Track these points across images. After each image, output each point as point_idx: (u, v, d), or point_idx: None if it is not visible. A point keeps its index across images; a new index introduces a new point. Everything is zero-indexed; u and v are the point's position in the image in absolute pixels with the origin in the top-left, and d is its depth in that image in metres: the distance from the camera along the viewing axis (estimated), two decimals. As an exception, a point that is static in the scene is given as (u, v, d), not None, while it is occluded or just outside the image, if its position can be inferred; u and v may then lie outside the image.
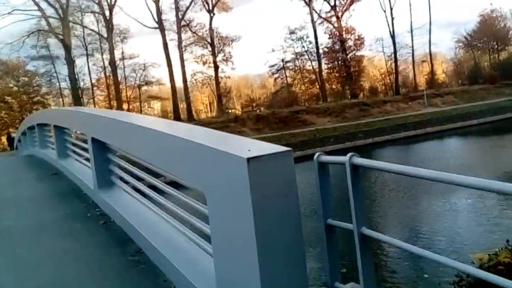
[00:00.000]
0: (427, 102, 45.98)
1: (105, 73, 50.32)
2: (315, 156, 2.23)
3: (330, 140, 35.41)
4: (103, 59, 49.83)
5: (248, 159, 1.68)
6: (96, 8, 47.15)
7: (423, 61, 56.69)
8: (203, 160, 2.11)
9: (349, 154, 1.99)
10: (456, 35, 62.40)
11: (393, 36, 53.84)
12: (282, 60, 54.56)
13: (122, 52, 50.30)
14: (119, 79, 49.27)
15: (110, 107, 49.07)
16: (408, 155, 29.03)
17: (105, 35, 47.61)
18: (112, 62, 47.43)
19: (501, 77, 51.83)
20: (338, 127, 38.80)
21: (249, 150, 1.80)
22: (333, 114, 43.54)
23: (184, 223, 2.81)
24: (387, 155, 29.24)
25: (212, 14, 48.80)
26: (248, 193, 1.70)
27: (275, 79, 57.69)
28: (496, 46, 58.47)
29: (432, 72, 58.05)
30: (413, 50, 55.89)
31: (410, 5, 53.98)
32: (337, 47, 52.94)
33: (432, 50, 57.20)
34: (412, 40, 55.18)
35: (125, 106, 49.88)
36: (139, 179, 3.93)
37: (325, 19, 52.45)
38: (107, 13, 46.75)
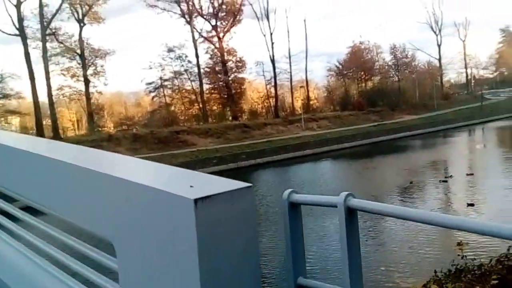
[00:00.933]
0: (304, 126, 48.54)
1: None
2: (285, 194, 1.67)
3: (213, 161, 34.97)
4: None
5: (196, 200, 0.93)
6: None
7: (301, 87, 60.20)
8: (119, 200, 1.29)
9: (343, 194, 1.49)
10: (328, 64, 68.10)
11: (273, 61, 56.35)
12: (160, 78, 52.85)
13: (-26, 61, 43.88)
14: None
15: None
16: (287, 177, 29.48)
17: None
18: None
19: (368, 105, 57.33)
20: (221, 148, 38.63)
21: (192, 187, 1.00)
22: (215, 135, 43.28)
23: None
24: (267, 177, 29.54)
25: (82, 24, 45.52)
26: (195, 245, 0.95)
27: (153, 97, 55.71)
28: (363, 76, 64.91)
29: (308, 98, 61.70)
30: (291, 76, 59.25)
31: (288, 32, 57.39)
32: (218, 68, 53.32)
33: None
34: (290, 66, 58.54)
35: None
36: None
37: (206, 38, 52.59)
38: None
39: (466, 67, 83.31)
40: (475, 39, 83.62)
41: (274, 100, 58.98)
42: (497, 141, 37.50)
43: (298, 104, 64.74)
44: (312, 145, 39.47)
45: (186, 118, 55.41)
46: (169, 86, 53.89)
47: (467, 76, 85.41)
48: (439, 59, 75.78)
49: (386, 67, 67.17)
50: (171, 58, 52.02)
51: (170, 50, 51.44)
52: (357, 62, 63.10)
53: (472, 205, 13.77)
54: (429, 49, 77.61)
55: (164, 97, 53.79)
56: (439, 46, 76.21)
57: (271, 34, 55.79)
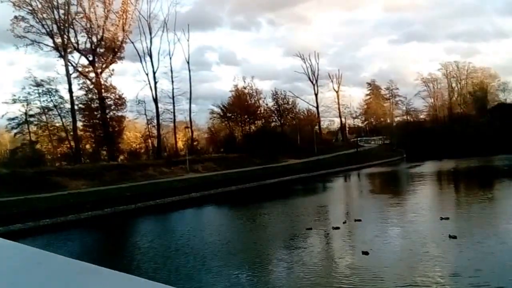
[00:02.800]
0: (189, 168, 47.87)
1: None
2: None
3: (87, 206, 32.16)
4: None
5: None
6: None
7: (186, 127, 59.89)
8: None
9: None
10: (211, 106, 69.43)
11: (155, 100, 55.41)
12: (25, 114, 48.33)
13: None
14: None
15: None
16: (170, 226, 27.28)
17: None
18: None
19: (252, 147, 59.01)
20: (96, 191, 35.91)
21: None
22: (89, 176, 40.28)
23: None
24: (145, 227, 27.43)
25: None
26: None
27: (15, 134, 50.37)
28: (247, 119, 67.15)
29: (192, 139, 61.47)
30: (174, 116, 58.84)
31: (172, 72, 57.45)
32: (95, 105, 50.58)
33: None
34: (174, 106, 58.24)
35: None
36: None
37: (81, 73, 49.84)
38: None
39: (340, 116, 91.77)
40: (350, 90, 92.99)
41: (156, 140, 57.68)
42: (375, 187, 40.22)
43: (180, 145, 64.29)
44: (198, 188, 38.85)
45: (54, 157, 51.06)
46: (35, 123, 49.36)
47: (341, 123, 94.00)
48: (317, 107, 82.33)
49: (269, 111, 70.57)
50: (39, 93, 48.32)
51: (38, 84, 47.71)
52: (241, 106, 65.24)
53: (366, 253, 13.89)
54: (307, 97, 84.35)
55: (29, 134, 48.93)
56: (316, 95, 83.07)
57: (154, 73, 55.31)
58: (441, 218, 18.31)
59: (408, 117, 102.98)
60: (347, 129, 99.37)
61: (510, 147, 67.46)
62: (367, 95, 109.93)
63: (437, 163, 58.24)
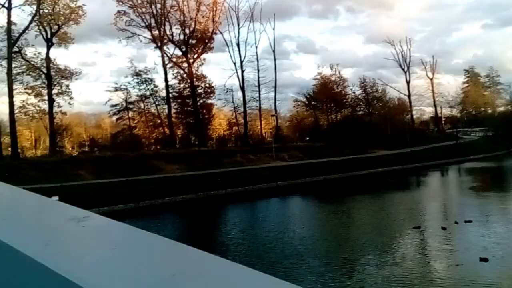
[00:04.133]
0: (275, 156, 48.98)
1: None
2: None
3: (181, 189, 34.44)
4: None
5: None
6: None
7: (272, 115, 61.14)
8: None
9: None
10: (296, 94, 69.98)
11: (243, 88, 57.21)
12: (126, 101, 52.94)
13: None
14: None
15: None
16: (259, 216, 27.11)
17: None
18: None
19: (339, 137, 58.66)
20: (190, 175, 38.27)
21: None
22: (182, 161, 42.96)
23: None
24: (235, 215, 28.35)
25: (50, 44, 45.31)
26: None
27: (117, 119, 55.17)
28: (333, 108, 66.76)
29: (277, 127, 62.54)
30: (260, 104, 60.36)
31: (258, 60, 58.88)
32: (187, 93, 53.83)
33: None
34: (259, 94, 59.73)
35: None
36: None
37: (176, 63, 53.45)
38: None
39: (435, 105, 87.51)
40: (442, 78, 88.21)
41: (242, 127, 59.62)
42: (481, 184, 36.65)
43: (267, 133, 65.84)
44: (285, 176, 39.74)
45: (149, 142, 55.08)
46: (133, 109, 53.89)
47: (436, 113, 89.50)
48: (409, 96, 79.27)
49: (356, 100, 69.46)
50: (137, 82, 52.81)
51: (137, 74, 52.14)
52: (327, 94, 64.95)
53: (485, 260, 12.83)
54: (397, 85, 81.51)
55: (129, 119, 53.35)
56: (408, 83, 79.97)
57: (241, 62, 57.11)
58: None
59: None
60: (443, 119, 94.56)
61: None
62: (464, 83, 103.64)
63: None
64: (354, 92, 69.92)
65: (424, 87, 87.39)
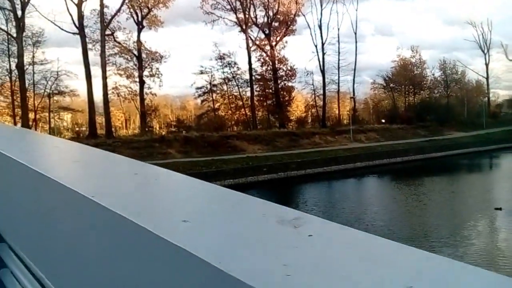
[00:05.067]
0: (353, 137, 48.73)
1: (10, 78, 45.85)
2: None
3: (263, 169, 35.54)
4: (9, 62, 45.42)
5: None
6: (7, 4, 43.13)
7: (351, 98, 60.46)
8: None
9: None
10: (374, 77, 68.21)
11: (323, 71, 56.98)
12: (210, 83, 54.68)
13: (33, 57, 46.34)
14: (27, 85, 45.23)
15: (14, 116, 44.74)
16: (339, 197, 27.37)
17: (15, 35, 43.60)
18: (20, 66, 43.38)
19: (416, 119, 56.97)
20: (270, 156, 39.27)
21: None
22: (263, 142, 44.02)
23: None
24: (317, 194, 28.63)
25: (141, 26, 47.39)
26: None
27: (202, 101, 57.34)
28: (412, 90, 64.53)
29: (354, 109, 61.80)
30: (338, 87, 59.81)
31: (339, 43, 58.02)
32: (269, 75, 54.47)
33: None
34: (339, 77, 59.10)
35: (31, 115, 45.90)
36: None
37: (259, 46, 53.95)
38: (19, 12, 42.93)
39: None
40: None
41: (320, 109, 59.60)
42: None
43: (344, 115, 65.28)
44: (363, 158, 39.61)
45: (232, 123, 56.74)
46: (217, 91, 55.46)
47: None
48: (487, 78, 74.49)
49: (435, 82, 66.60)
50: (221, 65, 53.88)
51: (220, 58, 53.21)
52: (406, 76, 62.86)
53: None
54: (476, 67, 76.71)
55: (213, 101, 55.27)
56: (487, 65, 74.97)
57: (322, 44, 56.69)
58: None
59: None
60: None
61: None
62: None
63: None
64: (433, 74, 67.14)
65: (502, 70, 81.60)
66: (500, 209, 17.76)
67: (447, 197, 22.32)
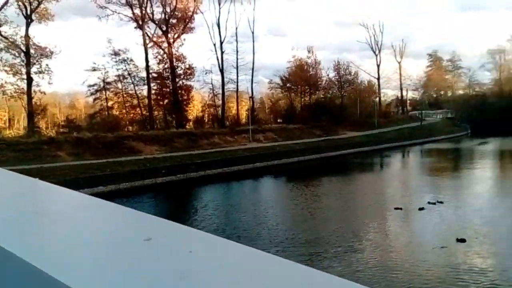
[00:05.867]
0: (252, 137, 48.32)
1: None
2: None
3: (162, 171, 33.41)
4: None
5: None
6: None
7: (250, 97, 60.18)
8: None
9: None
10: (269, 77, 69.14)
11: (222, 70, 55.77)
12: (103, 81, 50.72)
13: None
14: None
15: None
16: (238, 198, 26.45)
17: None
18: None
19: (312, 119, 58.43)
20: (169, 157, 37.15)
21: None
22: (161, 142, 41.66)
23: None
24: (213, 196, 27.60)
25: (29, 20, 42.28)
26: None
27: (94, 99, 53.00)
28: (308, 90, 66.19)
29: (253, 109, 61.68)
30: (237, 86, 59.12)
31: (237, 42, 57.31)
32: (166, 73, 52.00)
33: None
34: (237, 76, 58.42)
35: None
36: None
37: (156, 43, 51.13)
38: None
39: (401, 88, 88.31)
40: (403, 62, 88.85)
41: (219, 109, 58.54)
42: (446, 165, 37.43)
43: (243, 114, 65.04)
44: (262, 158, 39.19)
45: (127, 123, 53.33)
46: (111, 89, 51.66)
47: (401, 96, 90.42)
48: (378, 79, 79.57)
49: (330, 82, 69.09)
50: (116, 62, 50.34)
51: (115, 54, 49.68)
52: (302, 77, 64.23)
53: (463, 240, 12.88)
54: (367, 68, 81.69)
55: (106, 100, 51.27)
56: (378, 66, 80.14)
57: (221, 43, 55.49)
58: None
59: (471, 91, 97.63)
60: (408, 101, 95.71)
61: None
62: (427, 66, 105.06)
63: (504, 140, 54.67)
64: (328, 75, 69.62)
65: (392, 71, 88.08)
66: (401, 208, 17.89)
67: (347, 198, 22.26)
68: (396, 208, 17.98)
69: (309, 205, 20.53)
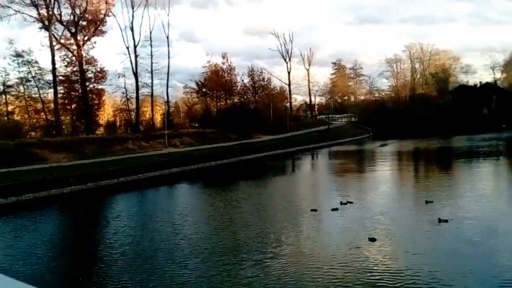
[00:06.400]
0: (168, 142, 46.95)
1: None
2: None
3: (70, 180, 30.87)
4: None
5: None
6: None
7: (165, 102, 58.55)
8: None
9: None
10: (183, 81, 68.38)
11: (135, 74, 53.64)
12: (3, 84, 46.15)
13: None
14: None
15: None
16: (155, 208, 25.62)
17: None
18: None
19: (227, 123, 58.40)
20: (78, 165, 34.59)
21: None
22: (69, 149, 38.76)
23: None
24: (125, 204, 26.23)
25: None
26: None
27: (-8, 103, 48.05)
28: (223, 95, 66.19)
29: (168, 113, 60.20)
30: (152, 90, 57.27)
31: (151, 46, 55.51)
32: (75, 77, 48.64)
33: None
34: (152, 80, 56.58)
35: None
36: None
37: (63, 45, 47.60)
38: None
39: (310, 94, 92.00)
40: (315, 69, 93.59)
41: (132, 113, 56.27)
42: (353, 166, 38.91)
43: (157, 119, 63.22)
44: (179, 163, 38.12)
45: (29, 128, 49.03)
46: (12, 93, 47.15)
47: (310, 101, 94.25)
48: (289, 85, 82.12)
49: (245, 88, 69.79)
50: (18, 64, 46.10)
51: (17, 55, 45.38)
52: (218, 82, 64.10)
53: (373, 240, 13.35)
54: (279, 75, 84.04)
55: (6, 104, 46.63)
56: (289, 73, 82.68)
57: (135, 47, 53.35)
58: (426, 202, 18.50)
59: (371, 96, 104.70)
60: (316, 107, 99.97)
61: (469, 128, 70.16)
62: (332, 74, 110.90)
63: (402, 142, 59.12)
64: (243, 81, 70.27)
65: (301, 77, 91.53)
66: (316, 210, 18.15)
67: (266, 201, 22.19)
68: (312, 210, 18.25)
69: (228, 210, 20.10)
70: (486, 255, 11.74)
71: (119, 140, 44.42)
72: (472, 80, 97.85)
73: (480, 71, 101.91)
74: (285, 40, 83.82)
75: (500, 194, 21.67)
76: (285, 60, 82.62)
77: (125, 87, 56.00)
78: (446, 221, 15.22)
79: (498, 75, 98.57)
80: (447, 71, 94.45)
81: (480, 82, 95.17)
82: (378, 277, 10.34)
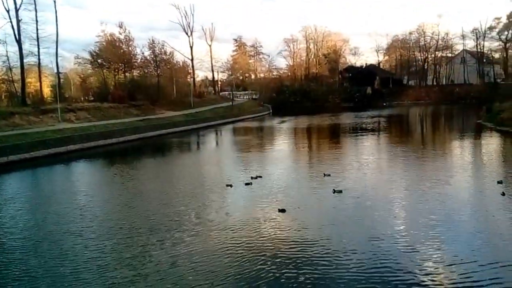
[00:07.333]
0: (61, 117, 43.37)
1: None
2: None
3: None
4: None
5: None
6: None
7: (57, 73, 53.66)
8: None
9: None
10: (76, 52, 63.11)
11: (18, 41, 48.06)
12: None
13: None
14: None
15: None
16: (48, 190, 21.75)
17: None
18: None
19: (128, 98, 55.59)
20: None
21: None
22: None
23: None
24: (19, 183, 24.16)
25: None
26: None
27: None
28: (122, 68, 62.48)
29: (59, 85, 55.31)
30: (39, 59, 52.24)
31: (36, 10, 50.27)
32: None
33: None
34: (38, 48, 51.54)
35: None
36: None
37: None
38: None
39: (212, 70, 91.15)
40: (217, 46, 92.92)
41: (16, 84, 50.86)
42: (258, 142, 38.99)
43: (46, 91, 57.98)
44: (77, 140, 35.51)
45: None
46: None
47: (213, 77, 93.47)
48: (192, 60, 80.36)
49: (145, 61, 66.69)
50: None
51: None
52: (115, 53, 60.29)
53: (283, 211, 14.19)
54: (181, 49, 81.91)
55: None
56: (191, 47, 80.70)
57: (16, 10, 47.57)
58: (324, 175, 19.77)
59: (270, 75, 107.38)
60: (219, 83, 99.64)
61: (356, 106, 75.94)
62: (234, 51, 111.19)
63: (298, 119, 61.67)
64: (143, 53, 66.98)
65: (203, 53, 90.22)
66: (231, 186, 18.43)
67: (178, 179, 21.68)
68: (227, 185, 18.50)
69: (141, 189, 19.29)
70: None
71: (3, 114, 39.88)
72: (360, 61, 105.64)
73: (366, 53, 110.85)
74: (186, 13, 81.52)
75: (385, 165, 23.80)
76: (186, 33, 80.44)
77: (7, 55, 50.19)
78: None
79: (381, 57, 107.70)
80: (338, 52, 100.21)
81: (366, 64, 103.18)
82: (289, 246, 10.92)
